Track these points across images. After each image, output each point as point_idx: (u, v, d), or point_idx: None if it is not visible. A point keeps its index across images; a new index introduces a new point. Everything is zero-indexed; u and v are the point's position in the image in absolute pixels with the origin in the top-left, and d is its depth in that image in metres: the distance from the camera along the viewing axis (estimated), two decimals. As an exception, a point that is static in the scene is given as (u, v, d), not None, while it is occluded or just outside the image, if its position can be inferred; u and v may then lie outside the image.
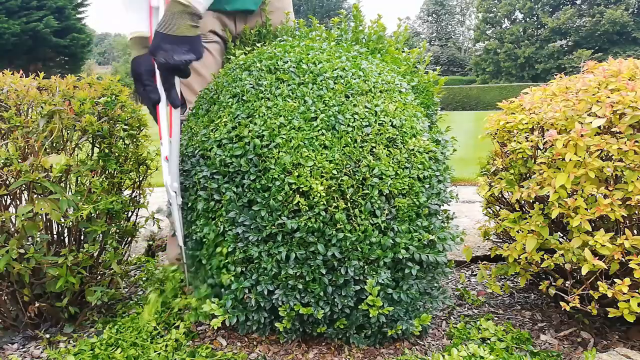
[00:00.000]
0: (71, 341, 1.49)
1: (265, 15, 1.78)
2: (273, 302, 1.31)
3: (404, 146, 1.33)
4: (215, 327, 1.34)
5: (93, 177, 1.47)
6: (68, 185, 1.51)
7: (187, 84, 1.72)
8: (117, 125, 1.60)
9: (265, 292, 1.30)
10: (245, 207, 1.28)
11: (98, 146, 1.59)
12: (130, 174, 1.67)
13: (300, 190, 1.22)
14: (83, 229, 1.53)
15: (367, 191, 1.25)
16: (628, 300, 1.25)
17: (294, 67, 1.39)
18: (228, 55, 1.77)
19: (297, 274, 1.26)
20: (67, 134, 1.48)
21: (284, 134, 1.26)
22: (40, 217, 1.43)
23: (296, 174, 1.22)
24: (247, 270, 1.33)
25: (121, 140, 1.64)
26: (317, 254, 1.24)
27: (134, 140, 1.70)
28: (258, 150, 1.26)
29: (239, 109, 1.34)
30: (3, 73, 1.52)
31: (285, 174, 1.22)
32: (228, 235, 1.32)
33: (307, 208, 1.22)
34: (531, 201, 1.50)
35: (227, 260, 1.34)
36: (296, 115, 1.29)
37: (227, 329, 1.55)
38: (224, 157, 1.29)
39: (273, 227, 1.24)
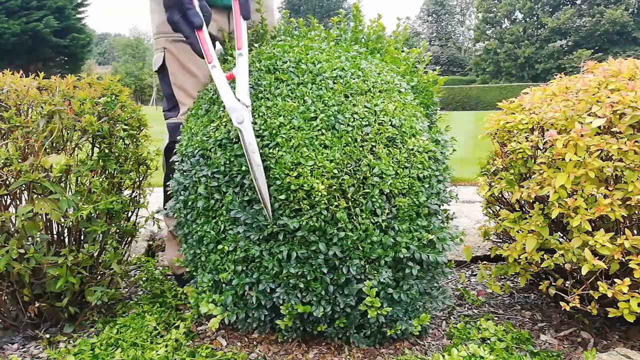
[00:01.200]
0: (71, 341, 1.49)
1: (261, 15, 1.78)
2: (274, 300, 1.31)
3: (403, 146, 1.33)
4: (214, 329, 1.34)
5: (93, 177, 1.47)
6: (68, 185, 1.51)
7: (180, 86, 1.72)
8: (117, 125, 1.60)
9: (267, 290, 1.30)
10: (246, 206, 1.28)
11: (98, 146, 1.59)
12: (130, 174, 1.67)
13: (302, 189, 1.22)
14: (83, 229, 1.53)
15: (367, 190, 1.25)
16: (628, 300, 1.25)
17: (293, 67, 1.39)
18: (225, 56, 1.76)
19: (299, 272, 1.27)
20: (67, 134, 1.48)
21: (284, 134, 1.26)
22: (40, 217, 1.43)
23: (296, 173, 1.22)
24: (248, 269, 1.33)
25: (121, 140, 1.64)
26: (319, 253, 1.24)
27: (134, 140, 1.70)
28: (258, 150, 1.26)
29: (239, 108, 1.34)
30: (3, 73, 1.52)
31: (287, 172, 1.23)
32: (229, 234, 1.32)
33: (308, 207, 1.22)
34: (531, 201, 1.50)
35: (227, 258, 1.34)
36: (296, 115, 1.30)
37: (227, 329, 1.55)
38: (226, 157, 1.29)
39: (274, 226, 1.25)
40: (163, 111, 1.81)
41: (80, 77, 1.65)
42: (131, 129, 1.65)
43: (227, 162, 1.29)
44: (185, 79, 1.71)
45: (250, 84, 1.39)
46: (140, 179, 1.76)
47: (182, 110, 1.73)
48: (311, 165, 1.23)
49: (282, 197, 1.22)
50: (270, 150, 1.26)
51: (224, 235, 1.34)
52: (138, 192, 1.76)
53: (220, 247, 1.34)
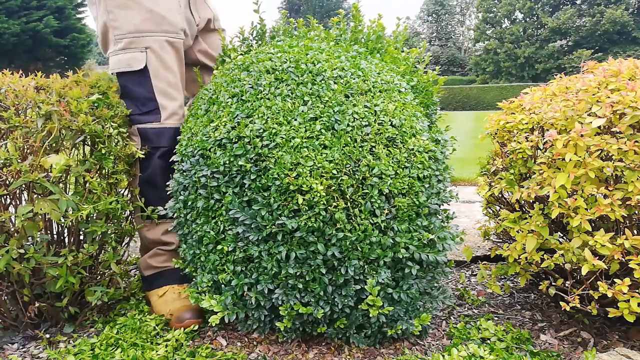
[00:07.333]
0: (71, 341, 1.49)
1: (259, 15, 1.78)
2: (273, 301, 1.31)
3: (403, 146, 1.33)
4: (214, 324, 1.34)
5: (92, 177, 1.47)
6: (67, 186, 1.50)
7: (163, 90, 1.64)
8: (107, 123, 1.57)
9: (266, 291, 1.30)
10: (245, 206, 1.28)
11: (89, 145, 1.56)
12: (122, 174, 1.64)
13: (301, 189, 1.22)
14: (83, 229, 1.53)
15: (366, 191, 1.25)
16: (628, 300, 1.25)
17: (292, 67, 1.39)
18: (223, 56, 1.76)
19: (297, 273, 1.27)
20: (64, 134, 1.47)
21: (283, 134, 1.26)
22: (40, 217, 1.43)
23: (295, 174, 1.22)
24: (247, 270, 1.33)
25: (112, 138, 1.61)
26: (317, 254, 1.24)
27: (123, 139, 1.67)
28: (258, 150, 1.26)
29: (239, 108, 1.34)
30: (3, 73, 1.52)
31: (286, 172, 1.23)
32: (228, 234, 1.32)
33: (307, 207, 1.22)
34: (531, 201, 1.50)
35: (227, 258, 1.34)
36: (296, 115, 1.30)
37: (227, 329, 1.55)
38: (225, 158, 1.29)
39: (273, 227, 1.25)
40: (132, 115, 1.65)
41: (66, 76, 1.63)
42: (118, 126, 1.62)
43: (227, 162, 1.29)
44: (169, 81, 1.65)
45: (249, 84, 1.39)
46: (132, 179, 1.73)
47: (164, 114, 1.64)
48: (310, 166, 1.23)
49: (281, 197, 1.23)
50: (270, 151, 1.26)
51: (223, 236, 1.34)
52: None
53: (219, 247, 1.34)
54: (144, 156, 1.63)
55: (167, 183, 1.51)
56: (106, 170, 1.56)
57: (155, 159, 1.63)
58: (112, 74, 1.69)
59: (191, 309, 1.56)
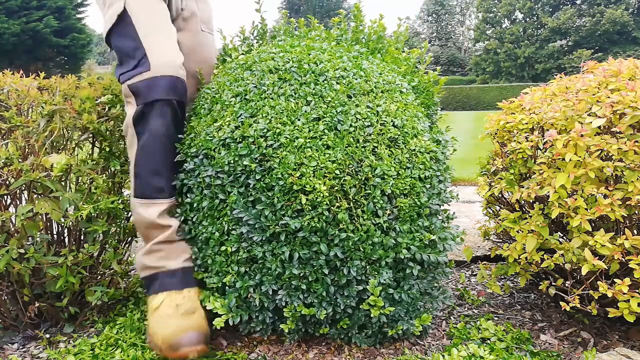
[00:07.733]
0: (71, 341, 1.49)
1: (260, 14, 1.78)
2: (276, 302, 1.31)
3: (405, 146, 1.33)
4: (219, 327, 1.34)
5: (95, 174, 1.47)
6: (68, 185, 1.51)
7: (151, 33, 1.43)
8: (118, 124, 1.59)
9: (270, 292, 1.30)
10: (249, 206, 1.28)
11: (99, 145, 1.58)
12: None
13: (304, 190, 1.22)
14: (83, 229, 1.53)
15: (369, 191, 1.25)
16: (628, 300, 1.25)
17: (295, 67, 1.39)
18: (224, 55, 1.77)
19: (301, 274, 1.27)
20: (68, 133, 1.48)
21: (287, 134, 1.27)
22: (40, 217, 1.43)
23: (299, 174, 1.22)
24: (251, 270, 1.33)
25: (122, 139, 1.64)
26: (320, 254, 1.25)
27: None
28: (262, 150, 1.26)
29: (242, 108, 1.34)
30: (3, 73, 1.52)
31: (290, 172, 1.23)
32: (232, 234, 1.32)
33: (310, 208, 1.22)
34: (531, 201, 1.50)
35: (231, 259, 1.34)
36: (299, 115, 1.30)
37: (227, 329, 1.55)
38: (230, 157, 1.29)
39: (277, 227, 1.25)
40: (121, 74, 1.43)
41: (80, 77, 1.65)
42: None
43: (232, 162, 1.29)
44: (155, 24, 1.44)
45: (253, 84, 1.38)
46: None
47: (153, 60, 1.38)
48: (314, 166, 1.23)
49: (284, 197, 1.23)
50: (274, 151, 1.26)
51: (227, 237, 1.34)
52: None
53: (223, 248, 1.33)
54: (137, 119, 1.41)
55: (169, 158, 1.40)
56: (112, 170, 1.56)
57: (148, 118, 1.39)
58: (107, 43, 1.52)
59: (193, 329, 1.31)
